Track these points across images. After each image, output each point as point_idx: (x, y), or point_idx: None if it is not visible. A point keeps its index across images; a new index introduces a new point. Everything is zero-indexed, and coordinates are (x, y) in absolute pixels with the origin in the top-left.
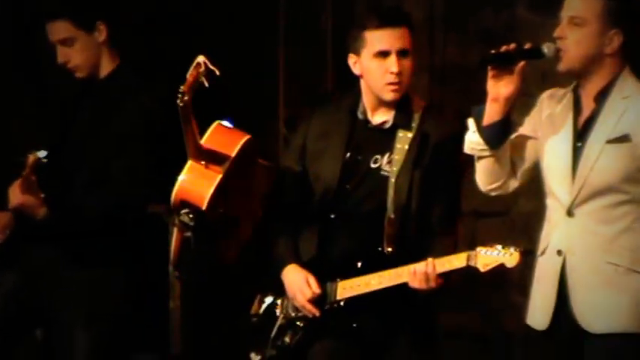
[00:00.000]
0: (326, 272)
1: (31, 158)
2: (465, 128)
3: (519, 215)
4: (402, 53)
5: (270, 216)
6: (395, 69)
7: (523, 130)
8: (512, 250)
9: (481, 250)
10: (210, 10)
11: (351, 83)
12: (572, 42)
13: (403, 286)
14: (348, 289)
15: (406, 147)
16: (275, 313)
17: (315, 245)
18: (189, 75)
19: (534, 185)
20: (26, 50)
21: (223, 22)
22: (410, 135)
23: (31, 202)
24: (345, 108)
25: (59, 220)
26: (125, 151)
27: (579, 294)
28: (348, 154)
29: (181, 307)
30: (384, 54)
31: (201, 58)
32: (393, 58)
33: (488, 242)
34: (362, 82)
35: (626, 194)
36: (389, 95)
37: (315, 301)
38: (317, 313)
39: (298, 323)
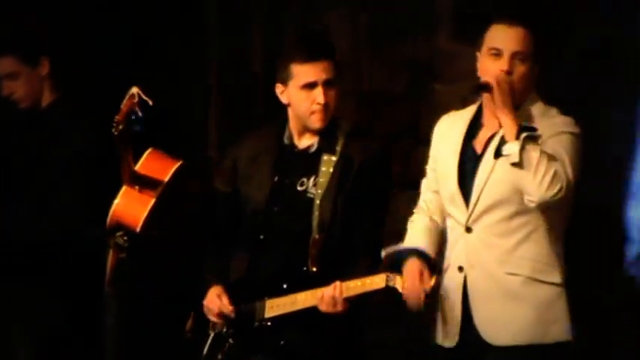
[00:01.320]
0: (255, 291)
1: None
2: (387, 152)
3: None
4: (327, 83)
5: (202, 236)
6: (321, 100)
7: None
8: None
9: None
10: (143, 38)
11: (282, 108)
12: (516, 77)
13: None
14: (275, 307)
15: (330, 170)
16: (207, 330)
17: (245, 265)
18: (124, 105)
19: None
20: None
21: (156, 47)
22: (334, 158)
23: None
24: (272, 134)
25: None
26: (65, 177)
27: (481, 308)
28: (276, 178)
29: (118, 324)
30: (310, 85)
31: (134, 89)
32: (319, 90)
33: None
34: (289, 110)
35: (520, 205)
36: (316, 124)
37: (225, 315)
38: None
39: (230, 340)
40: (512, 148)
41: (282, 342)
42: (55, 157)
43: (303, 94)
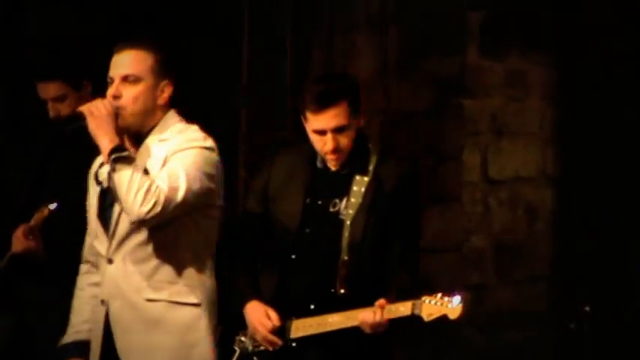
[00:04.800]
0: (282, 311)
1: (45, 211)
2: (418, 172)
3: (471, 251)
4: (337, 130)
5: (231, 255)
6: (330, 147)
7: None
8: (454, 301)
9: (425, 300)
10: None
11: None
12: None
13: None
14: (301, 328)
15: (362, 190)
16: (232, 345)
17: (274, 285)
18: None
19: (485, 221)
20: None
21: (189, 68)
22: (366, 179)
23: (32, 248)
24: (304, 155)
25: (57, 263)
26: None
27: (123, 339)
28: (309, 199)
29: None
30: (320, 132)
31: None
32: (329, 137)
33: (440, 278)
34: None
35: (153, 228)
36: (330, 164)
37: (276, 333)
38: (278, 344)
39: (254, 358)
40: (103, 172)
41: None
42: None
43: (315, 137)
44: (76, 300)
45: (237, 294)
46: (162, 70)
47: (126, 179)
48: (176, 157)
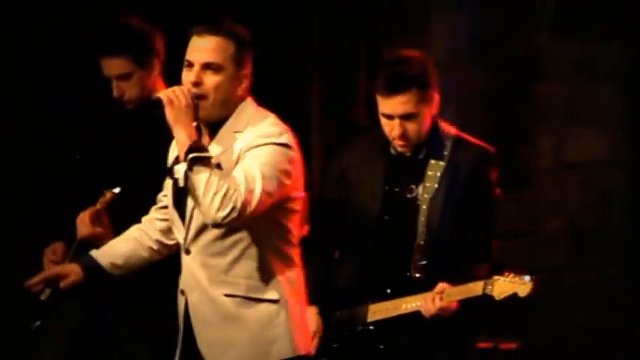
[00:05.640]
0: (359, 296)
1: (108, 195)
2: (494, 156)
3: (545, 235)
4: (405, 117)
5: (309, 242)
6: (396, 133)
7: None
8: (525, 279)
9: (498, 279)
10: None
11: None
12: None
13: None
14: (377, 312)
15: (438, 174)
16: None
17: (352, 271)
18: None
19: (560, 206)
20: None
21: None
22: (442, 164)
23: (99, 233)
24: (378, 141)
25: None
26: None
27: (203, 332)
28: (386, 187)
29: None
30: (388, 117)
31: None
32: (396, 122)
33: (514, 262)
34: None
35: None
36: (399, 149)
37: (350, 320)
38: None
39: (334, 345)
40: (180, 170)
41: (381, 347)
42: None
43: (384, 120)
44: (129, 230)
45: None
46: (243, 59)
47: (203, 181)
48: (251, 155)
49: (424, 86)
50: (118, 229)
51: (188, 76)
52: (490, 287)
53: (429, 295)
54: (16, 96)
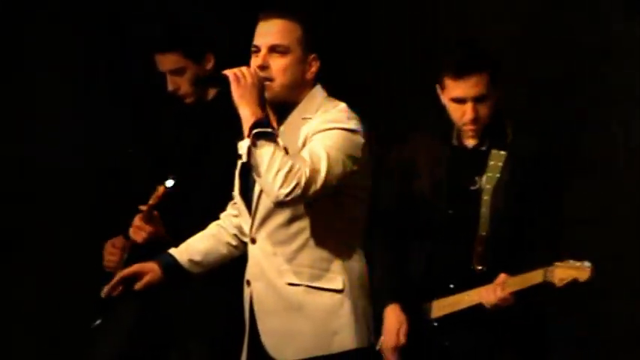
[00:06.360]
0: (424, 292)
1: (160, 189)
2: (559, 145)
3: (614, 221)
4: (478, 99)
5: (375, 234)
6: (469, 117)
7: None
8: (586, 264)
9: (558, 265)
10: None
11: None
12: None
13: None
14: (441, 307)
15: (500, 164)
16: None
17: (416, 265)
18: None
19: (629, 191)
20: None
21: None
22: (503, 153)
23: (153, 234)
24: (440, 134)
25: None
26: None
27: (266, 322)
28: (450, 179)
29: None
30: (460, 100)
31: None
32: (469, 106)
33: (582, 249)
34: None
35: (294, 209)
36: (467, 135)
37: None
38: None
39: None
40: (243, 146)
41: (446, 344)
42: (220, 149)
43: (453, 106)
44: (208, 227)
45: (377, 285)
46: (310, 42)
47: (267, 157)
48: (317, 138)
49: (496, 69)
50: (178, 223)
51: (255, 60)
52: (550, 274)
53: (490, 286)
54: (74, 92)
